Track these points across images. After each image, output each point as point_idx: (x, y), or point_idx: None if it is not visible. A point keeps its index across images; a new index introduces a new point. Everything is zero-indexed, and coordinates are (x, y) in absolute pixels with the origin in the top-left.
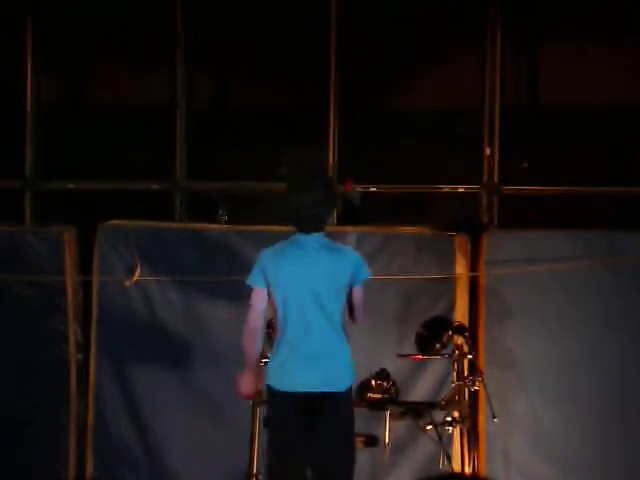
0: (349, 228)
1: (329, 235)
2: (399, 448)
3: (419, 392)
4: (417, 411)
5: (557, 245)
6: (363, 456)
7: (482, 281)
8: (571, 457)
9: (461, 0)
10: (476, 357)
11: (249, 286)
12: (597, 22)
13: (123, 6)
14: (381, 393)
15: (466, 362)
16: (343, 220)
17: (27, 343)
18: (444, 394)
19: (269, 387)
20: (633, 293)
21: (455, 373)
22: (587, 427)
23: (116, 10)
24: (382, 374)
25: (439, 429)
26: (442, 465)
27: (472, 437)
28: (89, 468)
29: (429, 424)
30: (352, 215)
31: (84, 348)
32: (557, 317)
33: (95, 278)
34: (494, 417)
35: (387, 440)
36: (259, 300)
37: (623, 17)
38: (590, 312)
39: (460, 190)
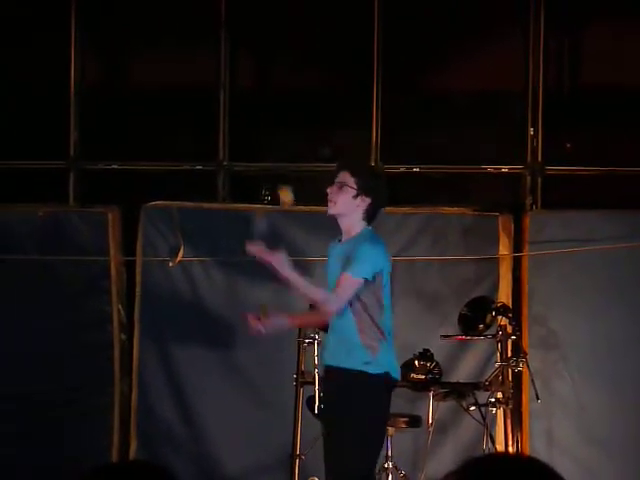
0: (392, 209)
1: None
2: (442, 429)
3: (462, 373)
4: (460, 392)
5: (599, 225)
6: (407, 437)
7: (525, 262)
8: (614, 439)
9: None
10: (519, 338)
11: (364, 278)
12: (636, 4)
13: None
14: (424, 374)
15: (509, 343)
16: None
17: (71, 323)
18: (487, 375)
19: (388, 375)
20: None
21: (498, 354)
22: (630, 409)
23: None
24: (425, 355)
25: (482, 410)
26: (485, 446)
27: (515, 418)
28: (132, 448)
29: (472, 405)
30: None
31: (128, 328)
32: (600, 298)
33: (139, 259)
34: (537, 398)
35: (430, 421)
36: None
37: None
38: (633, 293)
39: (504, 170)
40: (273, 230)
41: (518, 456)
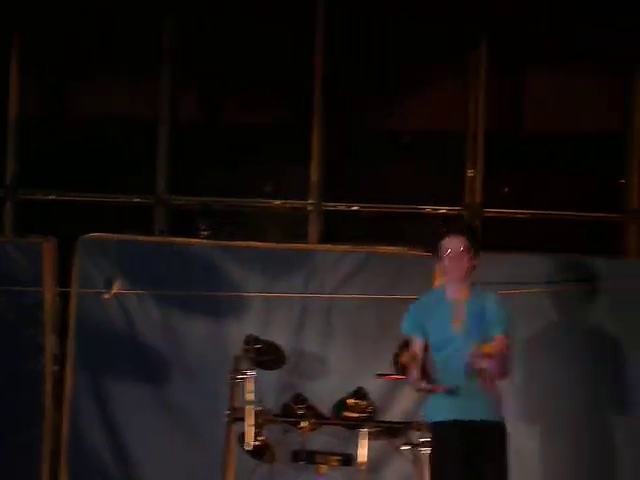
0: (330, 247)
1: None
2: (375, 468)
3: (396, 412)
4: (393, 431)
5: (532, 268)
6: (338, 475)
7: None
8: (546, 477)
9: (448, 24)
10: None
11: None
12: (579, 52)
13: (109, 19)
14: (358, 412)
15: None
16: (324, 239)
17: (4, 354)
18: (420, 415)
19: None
20: (599, 316)
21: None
22: (557, 446)
23: (102, 23)
24: (359, 393)
25: (415, 450)
26: None
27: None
28: None
29: (405, 444)
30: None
31: (60, 360)
32: (533, 341)
33: (74, 290)
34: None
35: (363, 459)
36: None
37: (603, 49)
38: (563, 337)
39: (442, 211)
40: (208, 264)
41: None
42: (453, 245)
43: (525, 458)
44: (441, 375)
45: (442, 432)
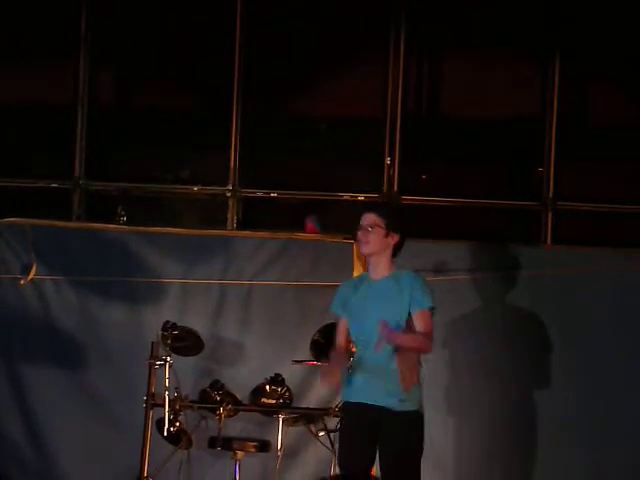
0: (248, 233)
1: None
2: (291, 454)
3: (313, 398)
4: (310, 417)
5: (449, 256)
6: (255, 462)
7: None
8: (458, 468)
9: (366, 8)
10: None
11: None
12: (497, 36)
13: (27, 2)
14: (275, 398)
15: None
16: (243, 225)
17: None
18: (337, 401)
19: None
20: (521, 304)
21: None
22: (474, 437)
23: (20, 5)
24: (276, 379)
25: (331, 435)
26: (333, 471)
27: None
28: None
29: (322, 430)
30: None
31: None
32: (446, 328)
33: None
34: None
35: (280, 445)
36: None
37: (521, 32)
38: (478, 323)
39: (360, 198)
40: (125, 250)
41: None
42: (363, 220)
43: (437, 441)
44: (357, 354)
45: (347, 413)
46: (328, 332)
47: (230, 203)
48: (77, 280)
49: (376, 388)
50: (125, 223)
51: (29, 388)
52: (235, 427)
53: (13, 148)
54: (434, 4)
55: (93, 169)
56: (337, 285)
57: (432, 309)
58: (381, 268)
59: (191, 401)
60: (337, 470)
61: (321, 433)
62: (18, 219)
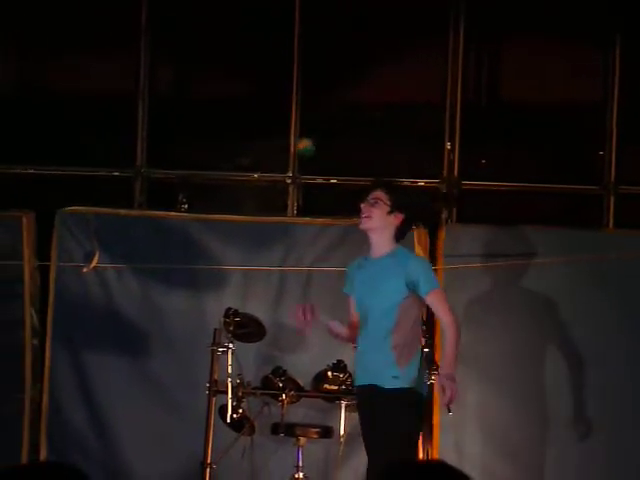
0: (308, 220)
1: None
2: (354, 440)
3: None
4: None
5: (513, 241)
6: (318, 448)
7: (440, 275)
8: (523, 452)
9: None
10: (432, 350)
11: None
12: (558, 22)
13: None
14: (337, 384)
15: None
16: (303, 212)
17: None
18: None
19: (419, 391)
20: (584, 289)
21: None
22: (536, 423)
23: None
24: (339, 366)
25: None
26: None
27: (426, 430)
28: (42, 453)
29: None
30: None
31: (40, 334)
32: (511, 312)
33: (53, 263)
34: (449, 411)
35: (342, 432)
36: None
37: (582, 18)
38: (543, 308)
39: (420, 184)
40: (186, 237)
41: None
42: (369, 194)
43: (499, 424)
44: (360, 333)
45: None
46: None
47: (290, 190)
48: (139, 268)
49: (371, 365)
50: (186, 211)
51: (92, 376)
52: (297, 413)
53: (75, 137)
54: None
55: (154, 157)
56: None
57: (439, 288)
58: (381, 246)
59: (253, 388)
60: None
61: None
62: (80, 207)
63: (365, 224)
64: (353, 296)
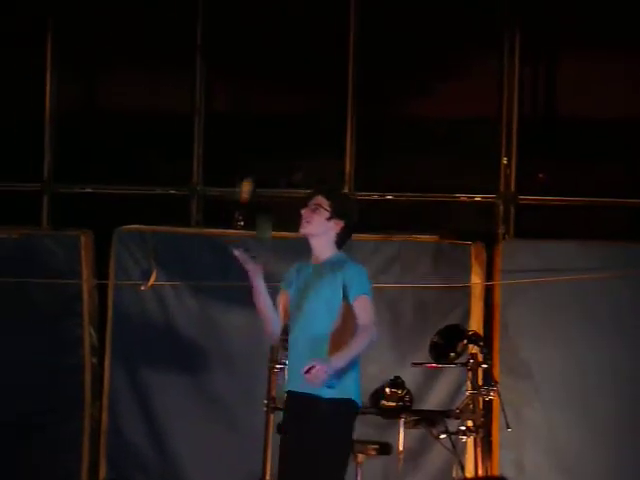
0: (364, 236)
1: None
2: (412, 456)
3: (433, 401)
4: (431, 420)
5: (572, 256)
6: (376, 464)
7: (497, 290)
8: (583, 468)
9: (481, 9)
10: (491, 366)
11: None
12: (616, 35)
13: (142, 11)
14: (395, 401)
15: (480, 371)
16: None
17: (43, 347)
18: (458, 403)
19: (355, 403)
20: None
21: (469, 382)
22: (600, 439)
23: (136, 15)
24: (396, 382)
25: (453, 438)
26: (455, 474)
27: (485, 446)
28: (102, 472)
29: (443, 433)
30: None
31: (99, 352)
32: (571, 327)
33: (111, 282)
34: (508, 427)
35: (400, 448)
36: None
37: (638, 30)
38: (604, 323)
39: (477, 199)
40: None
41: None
42: (310, 200)
43: (560, 440)
44: (290, 337)
45: (285, 403)
46: (447, 334)
47: None
48: (196, 286)
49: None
50: (242, 228)
51: (151, 393)
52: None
53: (132, 156)
54: (550, 3)
55: (211, 175)
56: (455, 286)
57: (369, 296)
58: (320, 252)
59: None
60: (460, 473)
61: (442, 436)
62: (138, 226)
63: (304, 229)
64: (288, 293)
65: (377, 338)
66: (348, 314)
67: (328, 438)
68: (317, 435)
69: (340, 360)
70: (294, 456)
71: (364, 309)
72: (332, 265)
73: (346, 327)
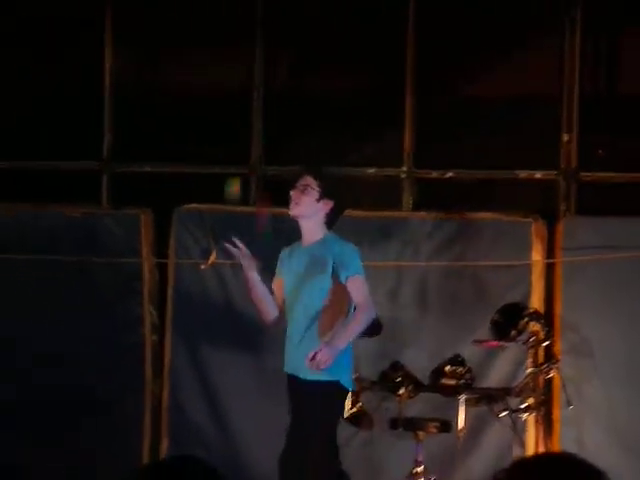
0: (424, 214)
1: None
2: (473, 434)
3: (494, 378)
4: (491, 397)
5: (633, 232)
6: (437, 442)
7: (558, 268)
8: None
9: None
10: (552, 344)
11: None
12: None
13: None
14: (455, 379)
15: (541, 349)
16: (418, 206)
17: (104, 325)
18: (519, 381)
19: (342, 385)
20: None
21: (530, 360)
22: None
23: None
24: (457, 360)
25: (513, 416)
26: (515, 452)
27: (546, 424)
28: (163, 449)
29: (503, 410)
30: None
31: (159, 330)
32: (633, 305)
33: (171, 261)
34: (569, 404)
35: (461, 426)
36: None
37: None
38: None
39: (537, 176)
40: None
41: (563, 454)
42: (300, 180)
43: (621, 418)
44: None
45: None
46: (507, 312)
47: (405, 184)
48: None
49: (294, 353)
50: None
51: (211, 370)
52: (413, 409)
53: (191, 134)
54: None
55: (269, 154)
56: (515, 265)
57: (362, 275)
58: (311, 233)
59: (371, 382)
60: (520, 451)
61: (503, 414)
62: (197, 205)
63: (294, 211)
64: (282, 280)
65: (375, 315)
66: (337, 293)
67: (312, 419)
68: (302, 416)
69: (342, 341)
70: (289, 436)
71: (358, 289)
72: (323, 246)
73: (336, 306)
